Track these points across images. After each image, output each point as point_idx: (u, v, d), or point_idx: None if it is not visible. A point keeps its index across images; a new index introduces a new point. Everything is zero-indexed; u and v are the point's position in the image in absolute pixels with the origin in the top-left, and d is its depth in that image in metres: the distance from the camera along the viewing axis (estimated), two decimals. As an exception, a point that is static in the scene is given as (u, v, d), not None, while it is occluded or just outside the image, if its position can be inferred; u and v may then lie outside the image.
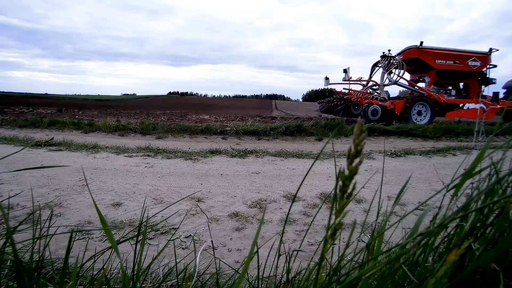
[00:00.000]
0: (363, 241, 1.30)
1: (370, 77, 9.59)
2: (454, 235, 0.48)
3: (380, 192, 0.62)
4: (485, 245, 0.42)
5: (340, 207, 0.39)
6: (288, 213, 0.89)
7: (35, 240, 0.54)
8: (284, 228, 0.57)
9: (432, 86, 9.20)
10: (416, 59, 8.84)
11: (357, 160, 0.37)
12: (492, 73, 9.65)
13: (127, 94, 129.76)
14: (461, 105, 8.89)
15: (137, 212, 1.95)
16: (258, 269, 0.56)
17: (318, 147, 5.03)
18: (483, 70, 9.09)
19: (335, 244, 0.40)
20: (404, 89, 9.51)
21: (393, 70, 8.74)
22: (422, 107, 8.43)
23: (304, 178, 0.48)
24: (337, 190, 0.39)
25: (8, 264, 0.62)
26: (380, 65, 9.10)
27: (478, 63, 8.85)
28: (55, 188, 2.37)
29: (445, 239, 0.50)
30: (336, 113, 8.66)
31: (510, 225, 0.42)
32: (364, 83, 9.29)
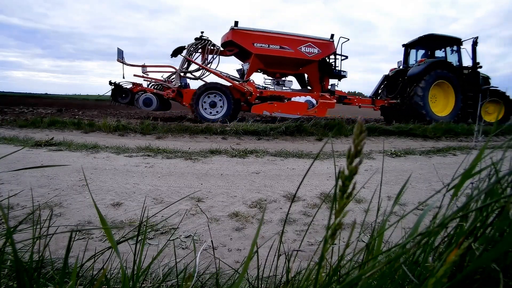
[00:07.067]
0: (363, 241, 1.30)
1: (189, 62, 7.71)
2: (454, 235, 0.48)
3: (380, 192, 0.62)
4: (485, 245, 0.42)
5: (340, 207, 0.39)
6: (288, 213, 0.89)
7: (35, 240, 0.54)
8: (284, 228, 0.57)
9: (264, 76, 7.89)
10: (230, 42, 7.15)
11: (357, 160, 0.37)
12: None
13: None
14: (287, 98, 7.36)
15: (137, 212, 1.95)
16: (258, 269, 0.56)
17: (318, 147, 5.03)
18: (325, 58, 7.69)
19: (335, 244, 0.40)
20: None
21: (208, 56, 7.19)
22: (216, 97, 6.88)
23: (303, 178, 0.48)
24: (337, 190, 0.39)
25: (8, 264, 0.62)
26: (192, 49, 7.37)
27: (315, 50, 7.31)
28: (55, 188, 2.37)
29: (445, 239, 0.50)
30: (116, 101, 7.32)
31: (510, 225, 0.42)
32: (173, 70, 7.45)
